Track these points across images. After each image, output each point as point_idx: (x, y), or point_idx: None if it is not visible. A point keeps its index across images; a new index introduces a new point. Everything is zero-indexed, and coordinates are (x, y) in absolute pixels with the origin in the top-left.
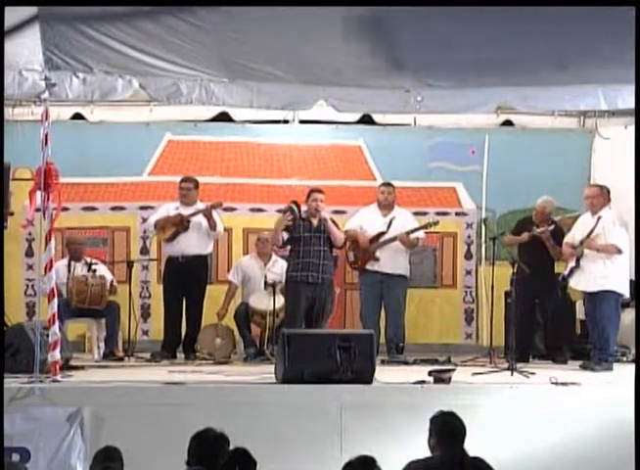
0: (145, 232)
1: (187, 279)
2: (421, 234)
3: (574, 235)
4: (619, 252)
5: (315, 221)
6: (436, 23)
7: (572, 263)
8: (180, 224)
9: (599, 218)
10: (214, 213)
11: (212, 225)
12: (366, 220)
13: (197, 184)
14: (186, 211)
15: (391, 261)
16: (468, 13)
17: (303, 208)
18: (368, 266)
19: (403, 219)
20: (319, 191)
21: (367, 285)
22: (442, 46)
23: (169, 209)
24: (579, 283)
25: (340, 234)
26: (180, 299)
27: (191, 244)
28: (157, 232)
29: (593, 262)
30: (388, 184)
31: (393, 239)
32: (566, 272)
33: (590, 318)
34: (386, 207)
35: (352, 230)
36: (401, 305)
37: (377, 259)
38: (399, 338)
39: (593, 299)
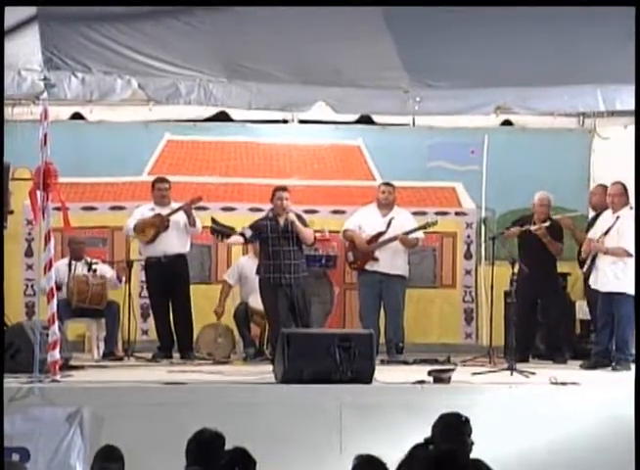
0: (127, 236)
1: (170, 279)
2: (420, 234)
3: (595, 232)
4: (629, 255)
5: (282, 221)
6: (436, 23)
7: (590, 262)
8: (161, 224)
9: (617, 218)
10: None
11: (192, 222)
12: (365, 220)
13: (170, 185)
14: (164, 212)
15: (391, 262)
16: (467, 13)
17: (269, 207)
18: (367, 266)
19: (402, 219)
20: (284, 189)
21: (366, 285)
22: (442, 47)
23: (143, 211)
24: (594, 282)
25: (308, 232)
26: (166, 299)
27: (172, 243)
28: (136, 235)
29: (607, 263)
30: (388, 184)
31: (393, 239)
32: (584, 269)
33: (598, 318)
34: (385, 206)
35: (350, 231)
36: (400, 304)
37: (376, 260)
38: (399, 338)
39: (608, 299)
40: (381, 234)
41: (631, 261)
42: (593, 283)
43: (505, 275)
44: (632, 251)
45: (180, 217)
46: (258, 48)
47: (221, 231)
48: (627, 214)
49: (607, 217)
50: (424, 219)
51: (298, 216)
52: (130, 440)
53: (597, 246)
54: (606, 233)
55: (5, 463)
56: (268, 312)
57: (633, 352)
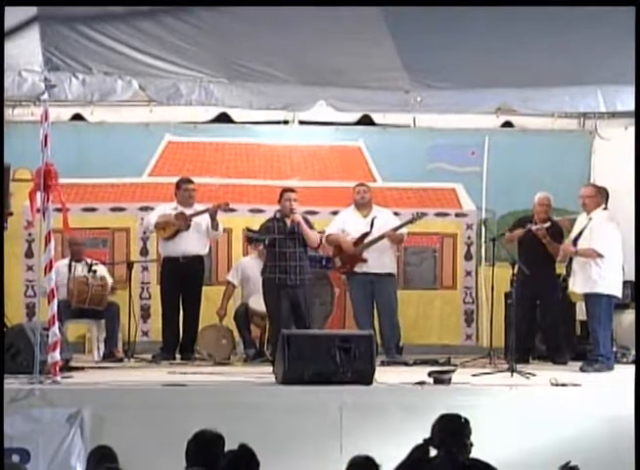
0: (145, 233)
1: (186, 279)
2: (404, 230)
3: (572, 235)
4: (599, 256)
5: (289, 222)
6: (436, 23)
7: (566, 264)
8: (182, 223)
9: (590, 219)
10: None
11: (215, 226)
12: (347, 223)
13: (195, 185)
14: (187, 212)
15: (379, 261)
16: (467, 13)
17: (277, 208)
18: (356, 268)
19: (385, 218)
20: (291, 190)
21: (357, 287)
22: (442, 47)
23: (166, 209)
24: (573, 284)
25: (314, 235)
26: (178, 299)
27: (191, 244)
28: (156, 231)
29: (582, 264)
30: (362, 184)
31: (381, 237)
32: (564, 272)
33: (588, 319)
34: (363, 206)
35: (334, 235)
36: (394, 302)
37: (365, 261)
38: (396, 336)
39: (586, 300)
40: (366, 235)
41: (607, 261)
42: (571, 285)
43: (505, 276)
44: (602, 251)
45: (202, 219)
46: (259, 48)
47: (258, 239)
48: (599, 216)
49: (582, 220)
50: (423, 221)
51: (305, 219)
52: (130, 441)
53: (567, 248)
54: (579, 235)
55: (5, 464)
56: (270, 313)
57: (605, 350)
